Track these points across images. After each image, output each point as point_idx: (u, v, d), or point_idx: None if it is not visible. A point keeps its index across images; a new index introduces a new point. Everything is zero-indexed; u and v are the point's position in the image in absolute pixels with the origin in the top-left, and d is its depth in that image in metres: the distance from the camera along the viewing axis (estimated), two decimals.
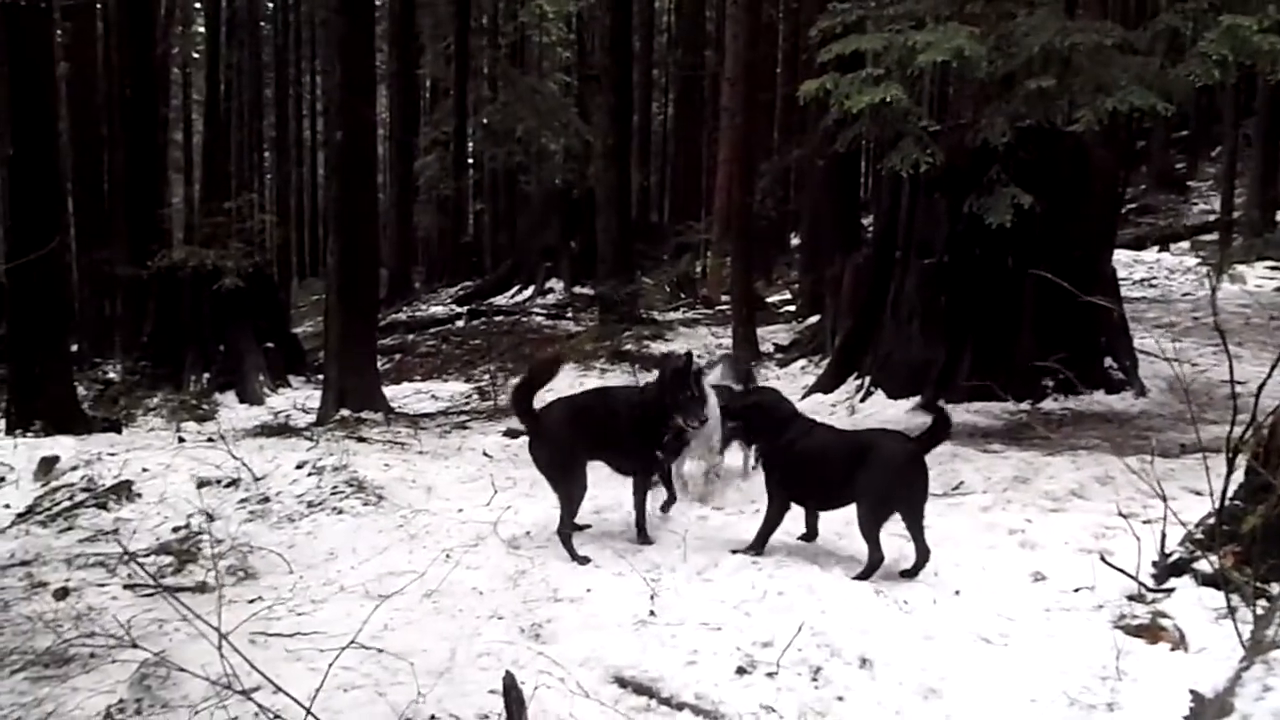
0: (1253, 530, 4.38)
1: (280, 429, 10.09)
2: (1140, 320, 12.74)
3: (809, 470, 5.61)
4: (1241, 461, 4.84)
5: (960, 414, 8.99)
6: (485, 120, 26.31)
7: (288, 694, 3.52)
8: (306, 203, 41.91)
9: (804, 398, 10.37)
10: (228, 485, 7.39)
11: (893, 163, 8.03)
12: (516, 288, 23.37)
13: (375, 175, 12.80)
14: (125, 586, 5.85)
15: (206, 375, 14.83)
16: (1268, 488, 4.47)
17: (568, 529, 5.76)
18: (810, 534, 5.89)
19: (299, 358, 16.55)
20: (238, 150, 34.79)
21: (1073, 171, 9.26)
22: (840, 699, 4.06)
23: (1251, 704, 3.10)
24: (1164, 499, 4.87)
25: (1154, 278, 17.61)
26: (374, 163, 12.25)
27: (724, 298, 18.23)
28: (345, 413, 9.88)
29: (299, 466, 7.50)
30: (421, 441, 8.83)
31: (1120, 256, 14.69)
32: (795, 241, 24.13)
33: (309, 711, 2.88)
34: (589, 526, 6.20)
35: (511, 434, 8.74)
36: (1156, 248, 20.82)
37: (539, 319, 19.82)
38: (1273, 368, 4.59)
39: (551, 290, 22.32)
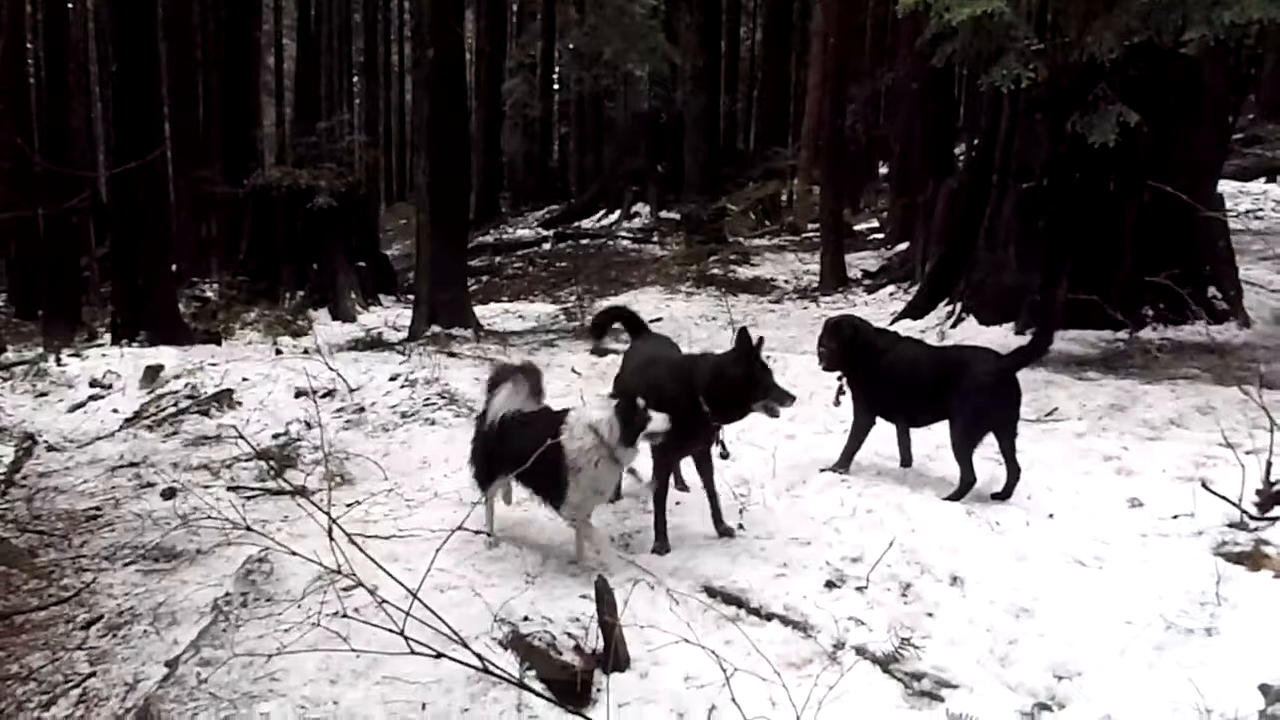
0: None
1: (373, 343, 10.27)
2: (1245, 252, 12.29)
3: (896, 385, 5.50)
4: None
5: (1056, 341, 8.82)
6: (572, 44, 26.06)
7: (396, 579, 3.61)
8: (395, 127, 42.19)
9: (893, 323, 10.22)
10: (324, 395, 7.58)
11: (993, 79, 7.75)
12: (602, 211, 23.34)
13: (465, 93, 12.81)
14: (229, 488, 6.08)
15: (301, 292, 15.14)
16: None
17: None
18: (905, 459, 5.81)
19: (390, 277, 16.80)
20: (327, 74, 35.01)
21: (1182, 93, 8.88)
22: (930, 615, 4.06)
23: None
24: (1273, 425, 4.73)
25: (1260, 209, 16.90)
26: (464, 81, 12.26)
27: (811, 224, 18.01)
28: (436, 329, 10.01)
29: (392, 379, 7.66)
30: (510, 357, 8.92)
31: (1226, 187, 14.15)
32: (884, 169, 23.67)
33: (415, 595, 2.95)
34: None
35: (599, 352, 8.75)
36: (1264, 179, 19.96)
37: (625, 242, 19.79)
38: None
39: (637, 214, 22.25)
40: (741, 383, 4.72)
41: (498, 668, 3.20)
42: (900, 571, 4.35)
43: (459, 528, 3.70)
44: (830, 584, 4.31)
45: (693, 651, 3.66)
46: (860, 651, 3.83)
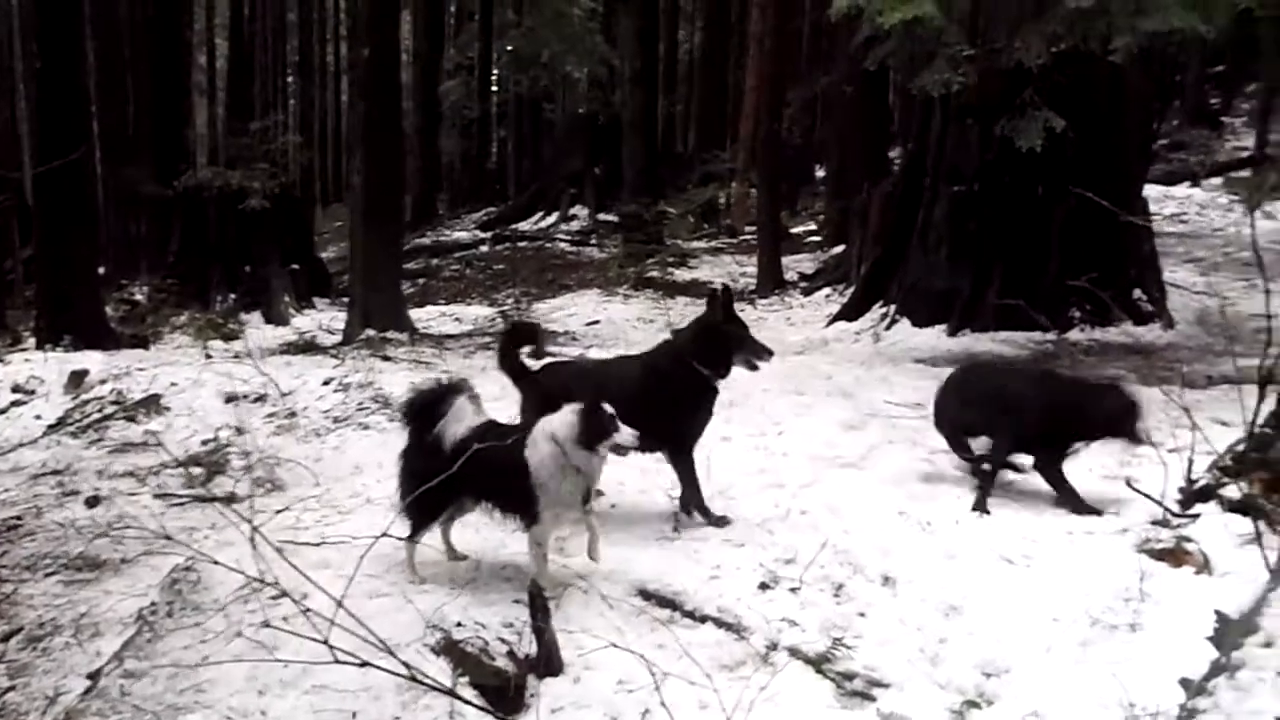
0: None
1: (306, 347, 10.15)
2: (1170, 254, 12.59)
3: None
4: (1273, 390, 4.81)
5: (986, 343, 8.98)
6: (510, 45, 25.98)
7: (320, 587, 3.56)
8: (331, 128, 41.70)
9: (828, 325, 10.34)
10: (255, 400, 7.46)
11: (924, 83, 7.89)
12: (540, 214, 23.28)
13: (400, 94, 12.70)
14: (156, 496, 5.95)
15: (233, 295, 14.89)
16: None
17: None
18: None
19: (324, 280, 16.58)
20: (262, 74, 34.56)
21: (1108, 98, 9.09)
22: (862, 614, 4.10)
23: (1277, 624, 3.11)
24: (1194, 425, 4.83)
25: (1185, 213, 17.33)
26: (399, 82, 12.15)
27: (749, 227, 18.10)
28: (370, 332, 9.91)
29: (325, 383, 7.56)
30: (446, 361, 8.88)
31: (1151, 191, 14.47)
32: (821, 172, 23.87)
33: (340, 603, 2.91)
34: None
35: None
36: (1188, 183, 20.45)
37: (563, 245, 19.76)
38: None
39: (575, 217, 22.22)
40: (727, 336, 5.00)
41: (424, 675, 3.16)
42: (833, 572, 4.38)
43: (383, 534, 3.61)
44: (764, 585, 4.32)
45: (626, 655, 3.65)
46: (793, 652, 3.85)
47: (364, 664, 2.73)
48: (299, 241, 16.14)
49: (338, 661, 2.75)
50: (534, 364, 5.53)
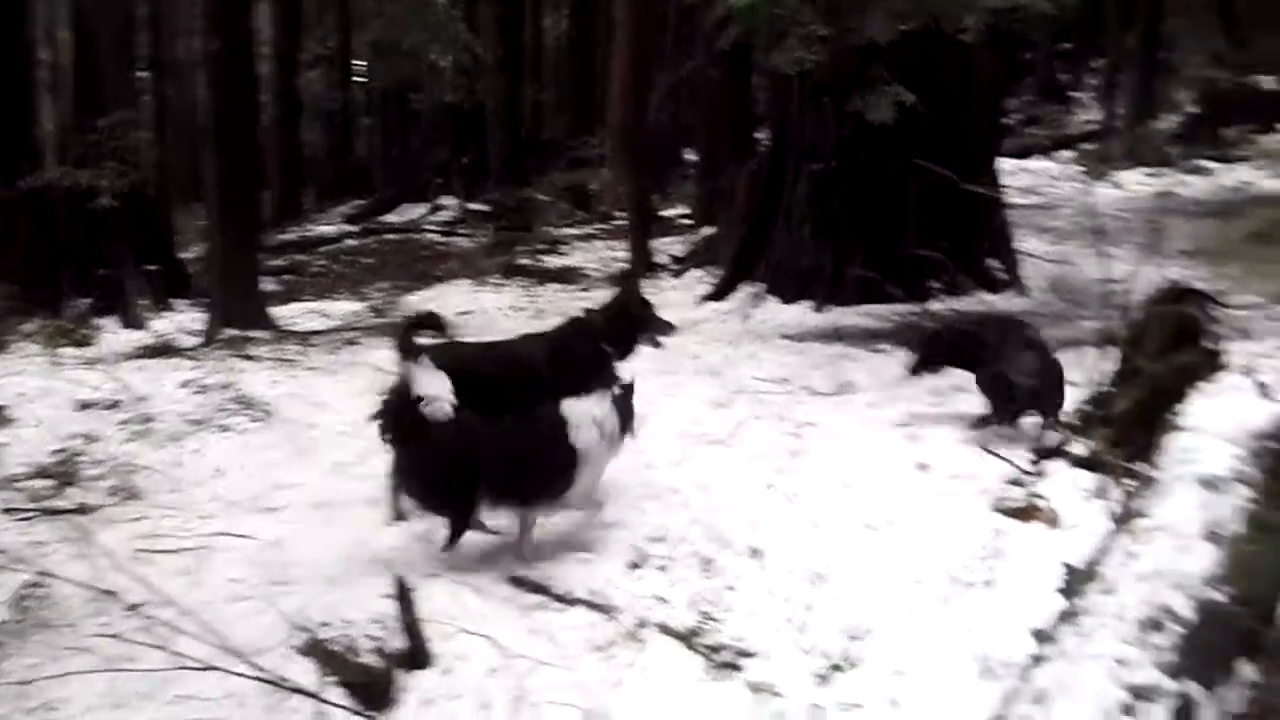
0: (1122, 412, 4.56)
1: (163, 350, 9.77)
2: (1024, 225, 13.02)
3: None
4: (1113, 350, 5.04)
5: (850, 317, 9.16)
6: (371, 35, 25.44)
7: (162, 594, 3.45)
8: (189, 123, 40.16)
9: (698, 306, 10.39)
10: (109, 407, 7.16)
11: (776, 61, 8.02)
12: (408, 205, 22.89)
13: (255, 87, 12.30)
14: (2, 511, 5.67)
15: (85, 299, 14.24)
16: (1137, 372, 4.65)
17: None
18: None
19: (183, 280, 15.92)
20: (114, 68, 33.08)
21: (957, 74, 9.35)
22: (731, 588, 4.15)
23: (1117, 570, 3.25)
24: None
25: (1038, 185, 17.95)
26: (252, 73, 11.76)
27: (620, 212, 18.10)
28: (231, 332, 9.59)
29: (183, 385, 7.32)
30: (311, 358, 8.66)
31: (1006, 165, 14.93)
32: (691, 155, 24.02)
33: (184, 610, 2.81)
34: None
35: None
36: (1041, 156, 21.24)
37: (432, 236, 19.43)
38: (1139, 263, 4.78)
39: (444, 207, 21.88)
40: (637, 319, 5.32)
41: (277, 676, 3.08)
42: (702, 548, 4.43)
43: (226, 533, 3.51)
44: (634, 565, 4.35)
45: (498, 643, 3.65)
46: (662, 629, 3.87)
47: (209, 668, 2.64)
48: (154, 241, 15.46)
49: (184, 669, 2.66)
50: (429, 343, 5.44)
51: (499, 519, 4.60)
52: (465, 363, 5.33)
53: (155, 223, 15.71)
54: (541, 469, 4.41)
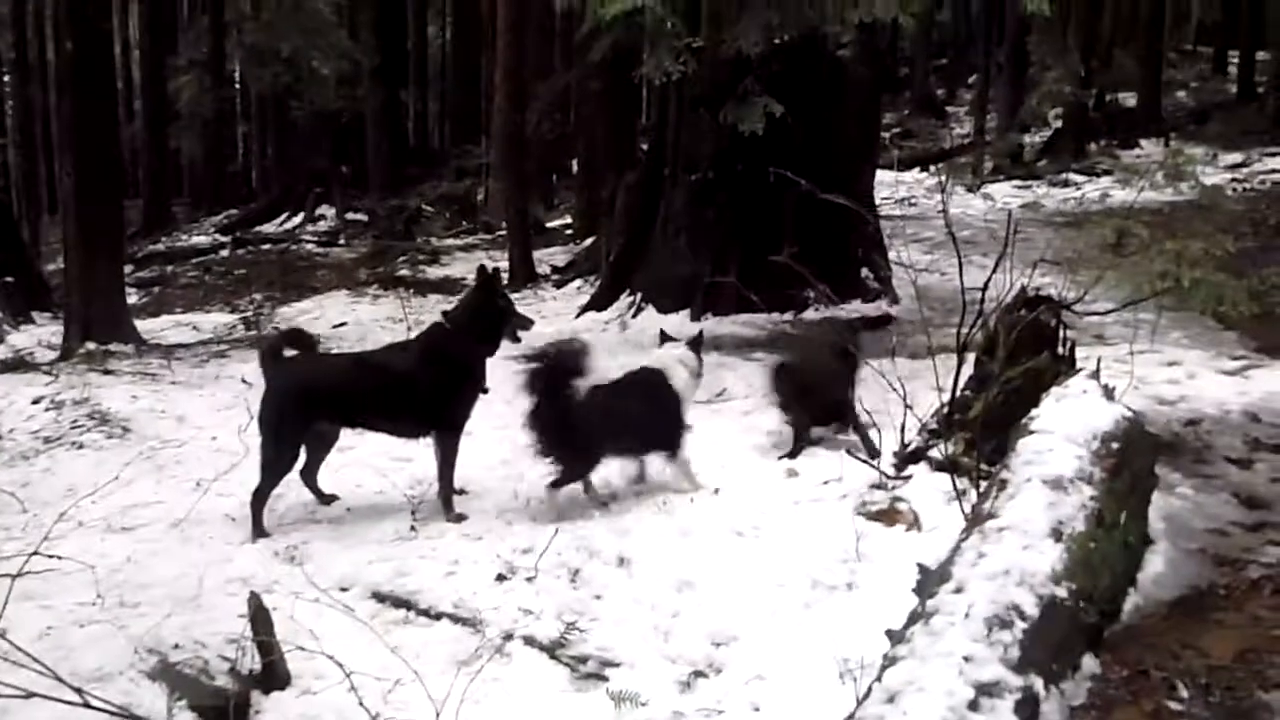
0: (978, 416, 4.69)
1: (17, 365, 9.36)
2: (899, 235, 13.32)
3: None
4: (971, 357, 5.18)
5: (727, 326, 9.25)
6: (247, 39, 24.81)
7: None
8: (54, 130, 38.63)
9: (578, 316, 10.40)
10: None
11: (645, 71, 8.08)
12: (285, 215, 22.38)
13: (114, 89, 11.86)
14: None
15: None
16: (992, 377, 4.78)
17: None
18: None
19: (43, 292, 15.34)
20: None
21: (829, 87, 9.53)
22: (598, 597, 4.14)
23: (968, 570, 3.32)
24: (902, 394, 5.15)
25: (914, 196, 18.41)
26: (111, 76, 11.33)
27: (504, 222, 17.99)
28: (91, 346, 9.23)
29: (35, 402, 7.03)
30: (175, 372, 8.40)
31: (883, 177, 15.27)
32: (576, 166, 24.02)
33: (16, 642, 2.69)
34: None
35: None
36: (917, 169, 21.80)
37: (309, 246, 19.06)
38: (993, 270, 4.92)
39: (323, 217, 21.48)
40: (500, 310, 5.27)
41: (103, 702, 2.95)
42: (570, 558, 4.41)
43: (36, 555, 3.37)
44: (501, 577, 4.31)
45: (358, 660, 3.55)
46: (528, 641, 3.85)
47: (28, 695, 2.51)
48: (11, 253, 14.85)
49: (2, 697, 2.53)
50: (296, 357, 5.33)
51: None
52: (335, 377, 5.25)
53: (13, 233, 15.11)
54: (655, 416, 5.15)
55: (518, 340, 5.35)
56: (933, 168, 22.15)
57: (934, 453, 4.98)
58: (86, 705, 2.69)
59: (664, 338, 5.71)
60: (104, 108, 10.14)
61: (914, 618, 3.25)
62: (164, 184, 26.10)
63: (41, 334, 12.45)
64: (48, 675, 2.72)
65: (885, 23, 7.50)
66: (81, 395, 7.00)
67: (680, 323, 9.40)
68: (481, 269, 5.39)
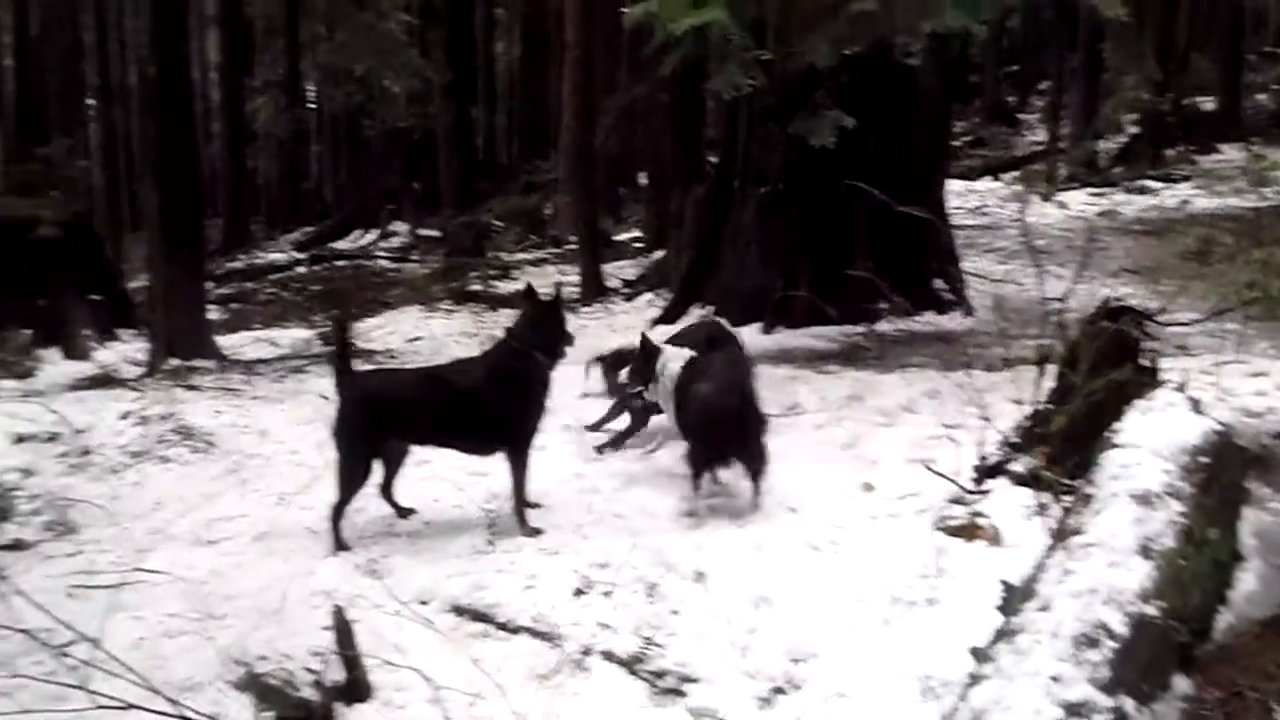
0: (1060, 430, 4.61)
1: (105, 381, 9.62)
2: (972, 245, 13.21)
3: None
4: (1053, 369, 5.10)
5: (799, 339, 9.22)
6: (321, 60, 25.32)
7: (79, 633, 3.37)
8: (136, 153, 39.74)
9: (651, 328, 10.40)
10: (46, 440, 6.99)
11: (715, 86, 8.09)
12: (359, 231, 22.80)
13: (194, 111, 12.19)
14: None
15: (27, 331, 14.01)
16: (1074, 389, 4.70)
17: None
18: None
19: (129, 310, 15.74)
20: (56, 96, 32.70)
21: (900, 97, 9.48)
22: (675, 612, 4.12)
23: (1054, 587, 3.26)
24: (981, 407, 5.08)
25: (985, 206, 18.20)
26: (192, 98, 11.64)
27: (573, 236, 18.12)
28: (175, 362, 9.45)
29: (123, 417, 7.17)
30: (255, 387, 8.56)
31: (954, 186, 15.14)
32: (645, 180, 24.11)
33: (97, 644, 2.76)
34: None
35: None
36: (989, 178, 21.54)
37: (382, 262, 19.37)
38: (1074, 280, 4.84)
39: (395, 233, 21.84)
40: (559, 321, 5.28)
41: (195, 712, 3.01)
42: (647, 573, 4.40)
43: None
44: (578, 591, 4.31)
45: (439, 673, 3.60)
46: (606, 655, 3.85)
47: (129, 706, 2.59)
48: (98, 271, 15.25)
49: (100, 707, 2.60)
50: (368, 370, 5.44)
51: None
52: (404, 393, 5.31)
53: (99, 252, 15.50)
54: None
55: (564, 356, 5.36)
56: (1005, 176, 21.88)
57: (1014, 467, 4.89)
58: (183, 718, 2.75)
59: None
60: (185, 130, 10.39)
61: (999, 635, 3.20)
62: (242, 203, 26.69)
63: (126, 350, 12.79)
64: (142, 686, 2.77)
65: (956, 31, 7.39)
66: (167, 410, 7.16)
67: (750, 335, 9.39)
68: (528, 288, 5.43)
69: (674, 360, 5.60)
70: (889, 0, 6.96)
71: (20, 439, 7.00)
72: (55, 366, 11.66)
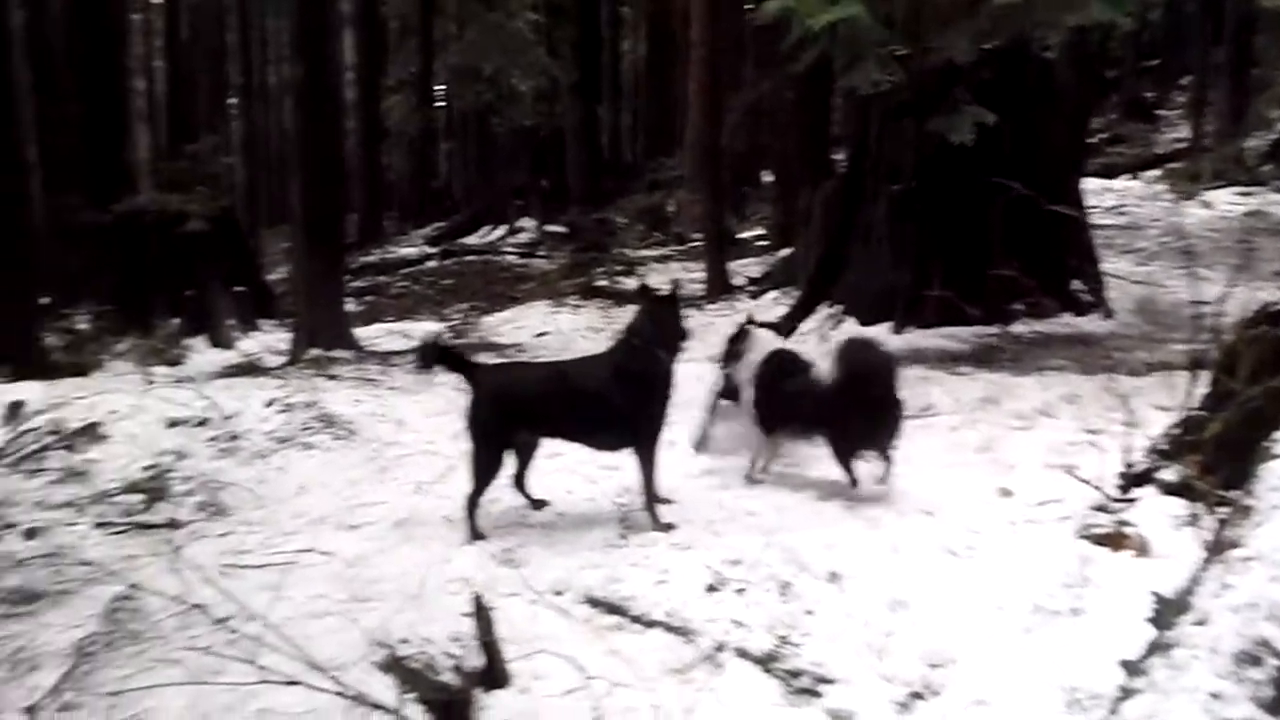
0: (1215, 437, 4.43)
1: (250, 369, 10.03)
2: (1110, 245, 12.78)
3: None
4: (1205, 374, 4.90)
5: (930, 339, 9.06)
6: (452, 59, 25.89)
7: (250, 609, 3.51)
8: (275, 148, 41.24)
9: None
10: (197, 424, 7.32)
11: (853, 82, 7.99)
12: (488, 227, 23.23)
13: (338, 111, 12.60)
14: (96, 525, 5.84)
15: (175, 320, 14.68)
16: (1230, 396, 4.51)
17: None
18: None
19: (269, 302, 16.38)
20: (205, 95, 34.16)
21: (1039, 93, 9.23)
22: (809, 612, 4.09)
23: (1210, 601, 3.13)
24: (1130, 411, 4.92)
25: (1124, 205, 17.59)
26: (337, 98, 12.06)
27: (696, 233, 18.15)
28: (315, 352, 9.81)
29: (268, 404, 7.45)
30: (392, 378, 8.81)
31: (1091, 184, 14.64)
32: (768, 177, 23.98)
33: (268, 624, 2.87)
34: None
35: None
36: (1127, 176, 20.79)
37: (510, 257, 19.71)
38: (1229, 282, 4.65)
39: (523, 229, 22.19)
40: (677, 316, 5.27)
41: (358, 692, 3.11)
42: (780, 571, 4.38)
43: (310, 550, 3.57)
44: (711, 587, 4.31)
45: (574, 664, 3.65)
46: (740, 652, 3.84)
47: (293, 682, 2.69)
48: (242, 264, 15.95)
49: (266, 682, 2.71)
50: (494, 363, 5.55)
51: None
52: (532, 387, 5.38)
53: (243, 245, 16.17)
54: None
55: (683, 351, 5.41)
56: (1145, 175, 21.09)
57: (1163, 475, 4.72)
58: (340, 694, 2.84)
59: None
60: (329, 127, 10.76)
61: (1153, 649, 3.09)
62: (376, 199, 27.48)
63: (268, 340, 13.31)
64: (306, 663, 2.88)
65: (1100, 24, 7.17)
66: (309, 399, 7.40)
67: (880, 335, 9.27)
68: (643, 285, 5.45)
69: (765, 342, 5.73)
70: None
71: (173, 423, 7.33)
72: (202, 354, 12.22)
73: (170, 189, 15.34)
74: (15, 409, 7.93)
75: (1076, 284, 9.54)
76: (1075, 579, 4.08)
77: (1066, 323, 9.05)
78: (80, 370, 11.21)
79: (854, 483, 5.31)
